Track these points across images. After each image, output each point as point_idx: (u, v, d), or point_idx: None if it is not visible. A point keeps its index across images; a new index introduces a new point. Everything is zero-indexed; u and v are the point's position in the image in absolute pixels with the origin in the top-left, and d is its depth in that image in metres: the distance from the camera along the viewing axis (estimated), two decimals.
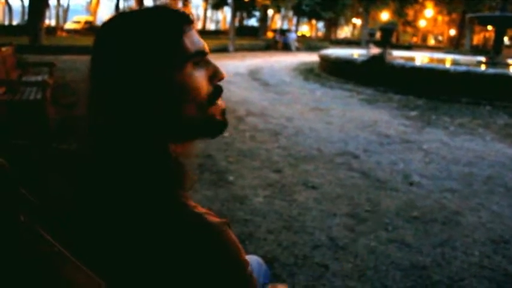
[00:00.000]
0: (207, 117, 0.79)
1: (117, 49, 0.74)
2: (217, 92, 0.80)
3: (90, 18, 43.61)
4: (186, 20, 0.77)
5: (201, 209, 0.73)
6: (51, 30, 33.06)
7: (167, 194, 0.72)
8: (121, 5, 44.37)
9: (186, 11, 0.80)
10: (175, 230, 0.69)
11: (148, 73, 0.72)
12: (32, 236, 0.61)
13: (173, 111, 0.75)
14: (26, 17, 19.01)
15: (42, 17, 19.27)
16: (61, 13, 49.84)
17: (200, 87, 0.77)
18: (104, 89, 0.75)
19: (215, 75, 0.80)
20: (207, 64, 0.79)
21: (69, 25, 41.13)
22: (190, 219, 0.70)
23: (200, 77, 0.77)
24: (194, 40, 0.77)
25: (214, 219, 0.72)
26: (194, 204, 0.74)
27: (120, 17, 0.78)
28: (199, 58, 0.78)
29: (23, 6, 45.41)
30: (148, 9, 0.78)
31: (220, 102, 0.81)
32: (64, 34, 36.05)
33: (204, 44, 0.79)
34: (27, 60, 8.14)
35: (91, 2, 51.03)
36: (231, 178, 4.12)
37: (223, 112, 0.82)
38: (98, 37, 0.78)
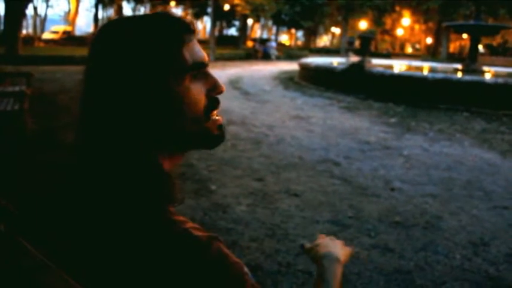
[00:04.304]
0: (202, 131, 0.76)
1: (113, 58, 0.71)
2: (212, 105, 0.77)
3: (68, 28, 43.10)
4: (187, 29, 0.74)
5: (190, 224, 0.70)
6: (28, 40, 32.62)
7: (155, 210, 0.70)
8: (99, 15, 44.14)
9: (188, 20, 0.76)
10: (161, 247, 0.67)
11: (145, 85, 0.69)
12: (13, 247, 0.59)
13: (168, 125, 0.72)
14: (2, 27, 18.69)
15: (18, 26, 19.00)
16: (38, 23, 49.30)
17: (197, 101, 0.74)
18: (99, 98, 0.72)
19: (214, 89, 0.77)
20: (206, 76, 0.76)
21: (46, 35, 40.57)
22: (176, 236, 0.67)
23: (197, 90, 0.74)
24: (194, 51, 0.74)
25: (204, 234, 0.69)
26: (183, 219, 0.71)
27: (117, 23, 0.75)
28: (198, 70, 0.75)
29: None
30: (148, 16, 0.75)
31: (217, 117, 0.78)
32: (42, 44, 35.63)
33: (204, 55, 0.76)
34: (4, 71, 8.01)
35: (69, 12, 50.61)
36: (213, 187, 4.10)
37: (220, 127, 0.79)
38: (93, 44, 0.74)
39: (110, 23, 0.75)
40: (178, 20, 0.74)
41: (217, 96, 0.78)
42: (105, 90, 0.71)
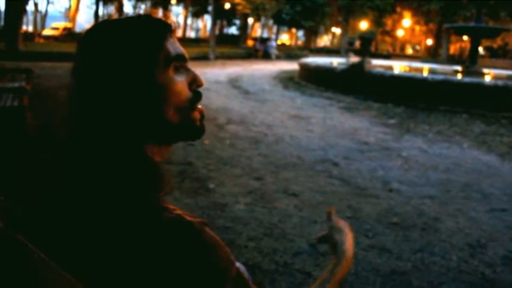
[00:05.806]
0: (187, 122, 0.81)
1: (101, 51, 0.75)
2: (197, 97, 0.83)
3: (68, 24, 43.05)
4: (168, 27, 0.81)
5: (179, 211, 0.73)
6: (28, 37, 32.59)
7: (144, 198, 0.73)
8: (100, 12, 44.07)
9: (168, 20, 0.83)
10: (154, 233, 0.69)
11: (133, 74, 0.74)
12: (11, 243, 0.59)
13: (154, 113, 0.77)
14: (2, 22, 18.68)
15: (19, 22, 19.00)
16: (39, 19, 49.21)
17: (181, 91, 0.80)
18: (87, 91, 0.76)
19: (194, 82, 0.83)
20: (187, 71, 0.83)
21: (47, 31, 40.52)
22: (168, 221, 0.70)
23: (181, 82, 0.80)
24: (176, 45, 0.81)
25: (194, 219, 0.72)
26: (173, 207, 0.74)
27: (104, 22, 0.80)
28: (180, 63, 0.81)
29: None
30: (131, 17, 0.81)
31: (200, 107, 0.84)
32: (42, 40, 35.58)
33: (185, 51, 0.83)
34: (3, 66, 8.00)
35: (70, 8, 50.51)
36: (211, 186, 4.11)
37: (202, 118, 0.84)
38: (82, 41, 0.79)
39: (96, 24, 0.82)
40: (160, 19, 0.82)
41: (198, 89, 0.84)
42: (95, 82, 0.75)
